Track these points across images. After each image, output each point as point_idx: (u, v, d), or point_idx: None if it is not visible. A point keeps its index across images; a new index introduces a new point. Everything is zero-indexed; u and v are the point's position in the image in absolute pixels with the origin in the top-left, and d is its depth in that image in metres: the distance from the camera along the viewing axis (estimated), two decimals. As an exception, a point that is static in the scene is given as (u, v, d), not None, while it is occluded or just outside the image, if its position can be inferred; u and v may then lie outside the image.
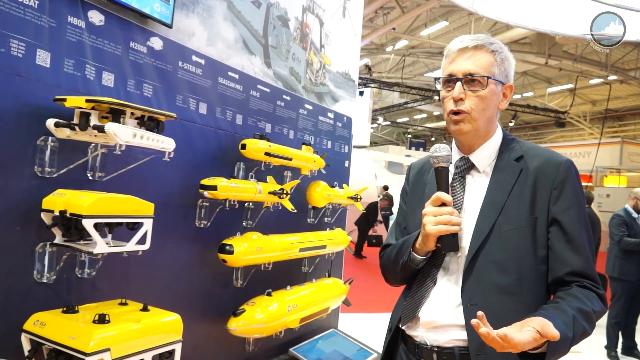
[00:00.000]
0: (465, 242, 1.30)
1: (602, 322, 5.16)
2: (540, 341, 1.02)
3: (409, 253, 1.35)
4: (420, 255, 1.34)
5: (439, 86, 1.36)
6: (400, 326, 1.38)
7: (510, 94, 1.37)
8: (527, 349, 1.02)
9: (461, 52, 1.30)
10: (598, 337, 5.35)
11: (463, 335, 1.24)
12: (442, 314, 1.28)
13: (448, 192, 1.29)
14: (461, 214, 1.32)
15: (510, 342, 0.99)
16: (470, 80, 1.28)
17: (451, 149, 1.37)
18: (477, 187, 1.35)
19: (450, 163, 1.34)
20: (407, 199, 1.55)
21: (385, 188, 17.58)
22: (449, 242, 1.27)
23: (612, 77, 17.81)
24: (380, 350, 3.64)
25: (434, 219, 1.25)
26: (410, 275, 1.40)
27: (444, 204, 1.27)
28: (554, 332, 1.01)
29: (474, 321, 1.01)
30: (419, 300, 1.33)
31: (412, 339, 1.35)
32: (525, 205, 1.28)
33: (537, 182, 1.29)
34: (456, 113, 1.29)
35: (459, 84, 1.28)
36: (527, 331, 1.02)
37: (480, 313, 1.02)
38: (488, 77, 1.28)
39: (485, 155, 1.36)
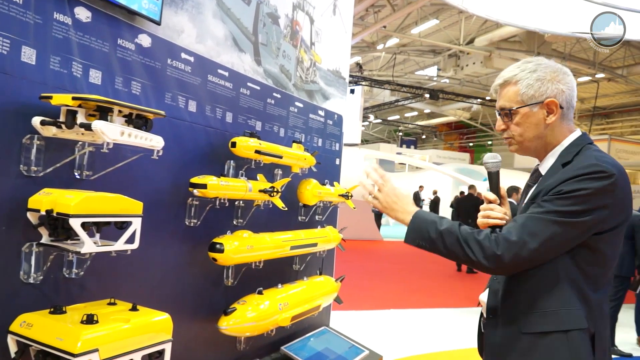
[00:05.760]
0: None
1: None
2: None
3: None
4: None
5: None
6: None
7: (557, 107, 1.40)
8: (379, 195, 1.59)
9: (497, 88, 1.51)
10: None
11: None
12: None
13: (497, 193, 1.52)
14: None
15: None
16: (505, 113, 1.47)
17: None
18: None
19: (500, 168, 1.57)
20: None
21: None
22: None
23: (600, 75, 18.00)
24: (372, 348, 3.64)
25: (481, 214, 1.51)
26: None
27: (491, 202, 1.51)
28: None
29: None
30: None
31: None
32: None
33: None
34: (506, 138, 1.53)
35: (499, 117, 1.51)
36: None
37: None
38: (510, 109, 1.44)
39: (548, 164, 1.46)
